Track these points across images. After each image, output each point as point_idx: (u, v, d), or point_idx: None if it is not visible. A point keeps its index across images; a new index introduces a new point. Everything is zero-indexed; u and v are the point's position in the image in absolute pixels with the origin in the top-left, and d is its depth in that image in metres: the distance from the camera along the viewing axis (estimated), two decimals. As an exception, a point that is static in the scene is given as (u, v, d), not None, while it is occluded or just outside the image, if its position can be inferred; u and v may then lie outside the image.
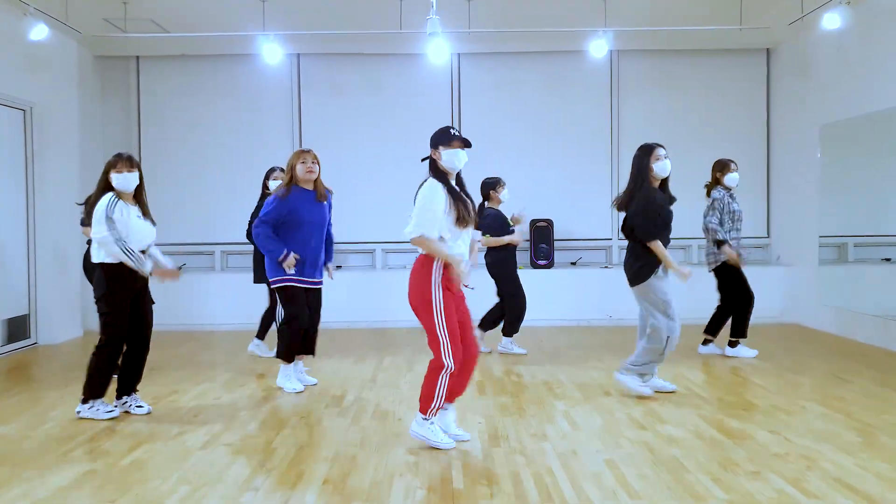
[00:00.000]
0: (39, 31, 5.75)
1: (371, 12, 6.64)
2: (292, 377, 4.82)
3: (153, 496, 2.93)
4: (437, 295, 3.38)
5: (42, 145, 6.80)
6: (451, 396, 3.55)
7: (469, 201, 3.53)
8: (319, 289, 4.86)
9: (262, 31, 6.64)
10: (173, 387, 4.91)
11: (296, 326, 4.68)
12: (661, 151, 4.47)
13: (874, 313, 6.35)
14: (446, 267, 3.40)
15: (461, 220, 3.42)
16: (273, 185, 5.78)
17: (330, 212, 4.89)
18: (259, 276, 5.84)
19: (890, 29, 6.11)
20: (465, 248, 3.53)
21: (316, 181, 4.72)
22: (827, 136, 7.16)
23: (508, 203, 5.95)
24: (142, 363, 4.28)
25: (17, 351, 6.41)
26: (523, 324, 6.00)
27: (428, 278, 3.40)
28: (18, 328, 6.53)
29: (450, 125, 3.60)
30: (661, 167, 4.45)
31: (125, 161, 4.06)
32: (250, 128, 8.21)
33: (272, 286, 4.80)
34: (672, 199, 4.56)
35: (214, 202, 8.01)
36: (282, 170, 5.85)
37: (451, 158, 3.45)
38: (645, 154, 4.50)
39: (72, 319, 7.08)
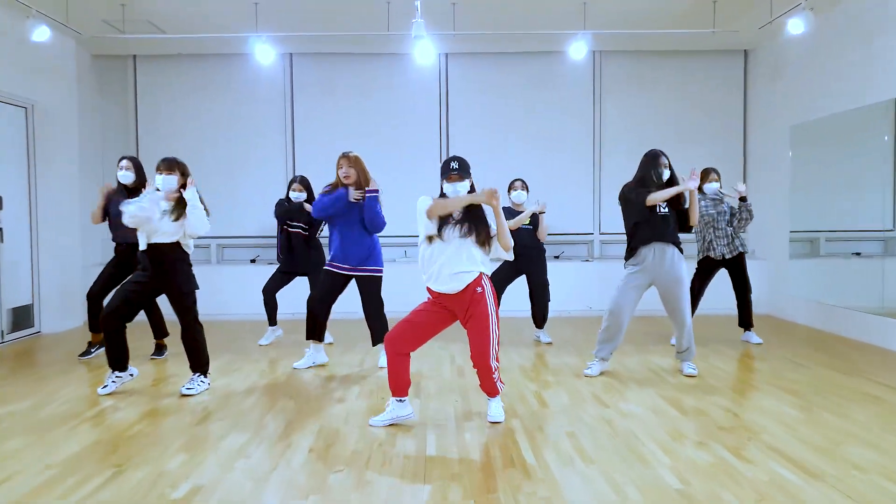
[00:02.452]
0: (41, 33, 6.02)
1: (359, 14, 6.92)
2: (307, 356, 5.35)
3: (155, 462, 3.24)
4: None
5: (43, 142, 7.09)
6: (488, 394, 3.91)
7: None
8: (368, 276, 5.12)
9: (255, 31, 6.92)
10: (172, 371, 5.21)
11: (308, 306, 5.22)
12: (663, 160, 4.83)
13: (843, 305, 6.68)
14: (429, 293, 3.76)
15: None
16: (293, 195, 6.06)
17: (373, 206, 5.04)
18: (305, 268, 6.08)
19: (851, 33, 6.43)
20: (454, 258, 3.69)
21: (358, 181, 5.04)
22: (797, 136, 7.49)
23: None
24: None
25: (22, 339, 6.72)
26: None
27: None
28: (23, 317, 6.83)
29: (452, 157, 3.84)
30: (661, 174, 4.85)
31: (160, 164, 4.57)
32: (244, 125, 8.50)
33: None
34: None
35: (209, 197, 8.10)
36: (300, 181, 6.12)
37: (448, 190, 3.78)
38: (653, 160, 4.90)
39: (72, 309, 7.36)
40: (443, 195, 3.79)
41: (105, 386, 4.57)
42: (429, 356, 5.65)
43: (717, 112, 8.56)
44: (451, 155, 3.82)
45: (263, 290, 6.14)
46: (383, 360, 5.29)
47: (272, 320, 6.27)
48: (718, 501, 2.74)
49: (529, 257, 6.06)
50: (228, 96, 8.48)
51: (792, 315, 7.49)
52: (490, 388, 3.85)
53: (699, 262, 6.13)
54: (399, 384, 3.77)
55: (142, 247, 4.47)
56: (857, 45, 6.38)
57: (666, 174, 4.85)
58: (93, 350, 5.76)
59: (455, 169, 3.76)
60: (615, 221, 8.43)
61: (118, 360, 4.57)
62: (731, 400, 4.25)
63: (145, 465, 3.20)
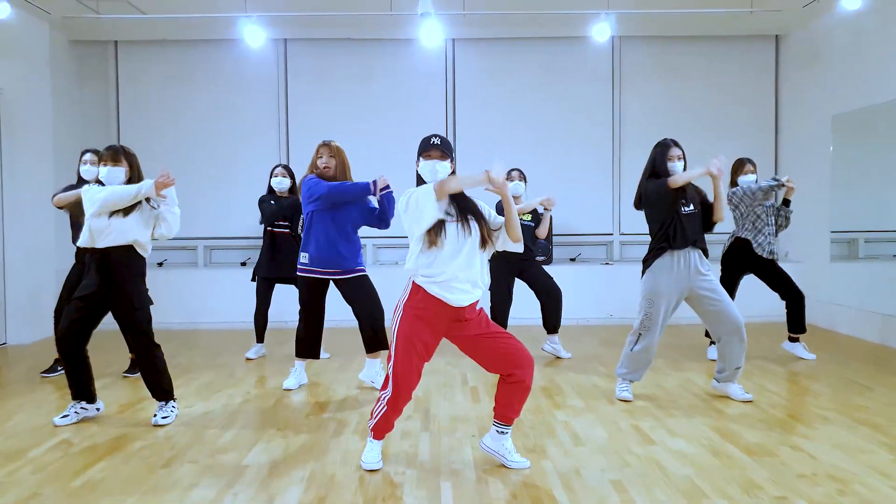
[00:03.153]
0: (1, 10, 5.36)
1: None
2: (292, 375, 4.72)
3: (101, 526, 2.58)
4: (396, 320, 3.04)
5: (12, 133, 6.41)
6: (507, 419, 3.15)
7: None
8: (357, 276, 4.48)
9: (244, 12, 6.27)
10: (142, 394, 4.53)
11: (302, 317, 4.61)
12: (675, 151, 4.17)
13: (887, 312, 6.03)
14: (414, 293, 3.03)
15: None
16: (275, 182, 5.42)
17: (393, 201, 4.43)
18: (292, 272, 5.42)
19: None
20: (463, 267, 2.99)
21: (335, 175, 4.39)
22: (839, 127, 6.83)
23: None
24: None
25: (-16, 352, 6.07)
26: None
27: (400, 301, 3.07)
28: (-15, 327, 6.17)
29: (432, 134, 3.17)
30: (672, 167, 4.17)
31: (104, 153, 3.88)
32: (235, 117, 7.84)
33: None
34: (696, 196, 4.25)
35: (197, 194, 7.62)
36: (284, 167, 5.52)
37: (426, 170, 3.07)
38: (662, 150, 4.21)
39: (43, 318, 6.68)
40: (417, 176, 3.12)
41: (65, 415, 3.91)
42: (436, 374, 4.99)
43: (746, 102, 7.90)
44: (430, 138, 3.13)
45: (256, 313, 5.51)
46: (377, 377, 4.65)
47: (260, 337, 5.64)
48: (829, 591, 2.08)
49: (524, 257, 5.37)
50: (217, 86, 7.82)
51: (834, 324, 6.83)
52: (519, 410, 3.17)
53: (725, 263, 5.44)
54: (387, 430, 3.22)
55: (81, 243, 3.78)
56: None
57: (678, 167, 4.16)
58: (59, 368, 5.11)
59: (436, 145, 3.05)
60: (637, 221, 7.78)
61: (81, 389, 3.90)
62: (798, 434, 3.59)
63: (88, 531, 2.54)
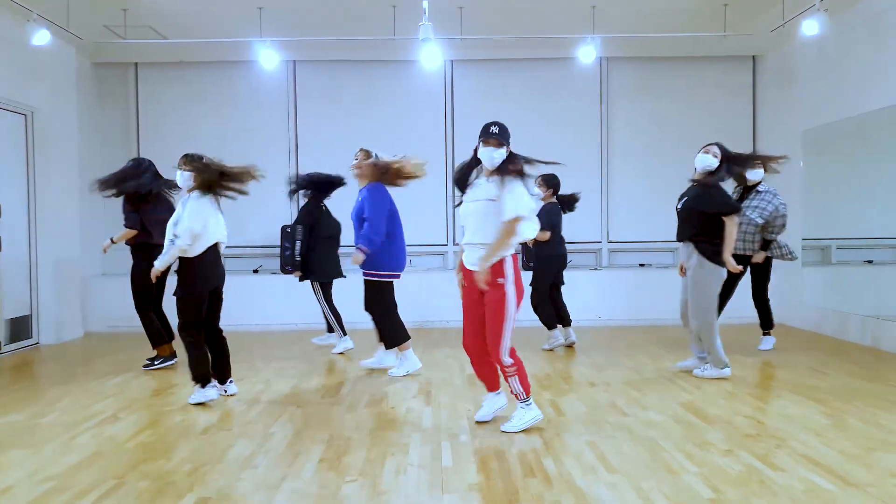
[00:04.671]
0: (42, 37, 5.92)
1: (365, 19, 6.84)
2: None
3: (158, 473, 3.09)
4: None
5: (43, 149, 6.96)
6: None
7: None
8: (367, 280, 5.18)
9: (259, 37, 6.84)
10: (174, 380, 5.06)
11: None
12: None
13: (856, 313, 6.54)
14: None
15: None
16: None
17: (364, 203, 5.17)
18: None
19: (867, 35, 6.35)
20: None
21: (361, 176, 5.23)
22: (809, 141, 7.39)
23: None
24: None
25: (20, 350, 6.56)
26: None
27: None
28: (21, 328, 6.68)
29: (492, 122, 3.78)
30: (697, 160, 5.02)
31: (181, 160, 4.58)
32: (247, 134, 8.38)
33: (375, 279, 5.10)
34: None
35: (212, 205, 8.15)
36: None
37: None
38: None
39: (72, 320, 7.22)
40: (476, 158, 3.70)
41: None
42: (437, 367, 5.49)
43: (726, 118, 8.45)
44: (489, 126, 3.85)
45: (332, 309, 6.17)
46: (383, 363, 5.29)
47: (343, 329, 6.18)
48: (753, 511, 2.60)
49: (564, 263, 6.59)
50: (231, 105, 8.37)
51: (805, 323, 7.35)
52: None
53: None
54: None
55: (199, 250, 4.39)
56: (871, 47, 6.29)
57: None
58: (156, 362, 5.55)
59: (494, 133, 3.63)
60: (623, 230, 8.37)
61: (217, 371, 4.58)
62: (753, 408, 4.11)
63: (148, 477, 3.05)
